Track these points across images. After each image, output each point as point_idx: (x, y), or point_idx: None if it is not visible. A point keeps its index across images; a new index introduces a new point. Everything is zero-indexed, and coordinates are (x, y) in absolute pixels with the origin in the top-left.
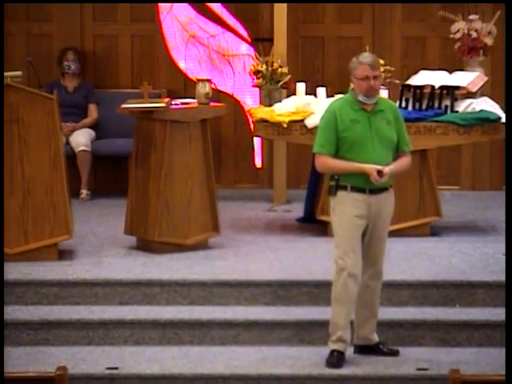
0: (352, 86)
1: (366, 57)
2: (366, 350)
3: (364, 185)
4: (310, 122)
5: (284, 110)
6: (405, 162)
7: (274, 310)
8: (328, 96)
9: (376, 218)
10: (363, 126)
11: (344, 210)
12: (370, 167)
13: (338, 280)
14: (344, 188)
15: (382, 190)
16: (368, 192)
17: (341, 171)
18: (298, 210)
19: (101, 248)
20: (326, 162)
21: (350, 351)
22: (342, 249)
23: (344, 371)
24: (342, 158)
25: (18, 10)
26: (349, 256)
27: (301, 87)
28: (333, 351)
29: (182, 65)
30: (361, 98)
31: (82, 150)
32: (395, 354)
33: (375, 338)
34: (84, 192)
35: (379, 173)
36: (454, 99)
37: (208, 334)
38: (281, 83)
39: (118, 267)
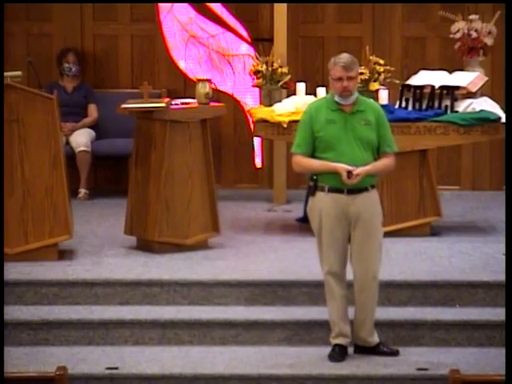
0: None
1: (341, 58)
2: (366, 350)
3: (341, 185)
4: None
5: (284, 109)
6: (384, 162)
7: (274, 309)
8: None
9: (356, 218)
10: (339, 126)
11: (322, 210)
12: (342, 167)
13: (326, 279)
14: (322, 189)
15: (360, 190)
16: (346, 192)
17: (314, 171)
18: (297, 210)
19: (101, 248)
20: (300, 162)
21: (350, 351)
22: (323, 248)
23: (344, 371)
24: (319, 158)
25: (18, 10)
26: (329, 255)
27: (301, 87)
28: (334, 346)
29: (182, 65)
30: (336, 98)
31: (82, 151)
32: (395, 353)
33: (374, 339)
34: (82, 191)
35: (349, 173)
36: (454, 99)
37: (208, 334)
38: (281, 83)
39: (118, 267)
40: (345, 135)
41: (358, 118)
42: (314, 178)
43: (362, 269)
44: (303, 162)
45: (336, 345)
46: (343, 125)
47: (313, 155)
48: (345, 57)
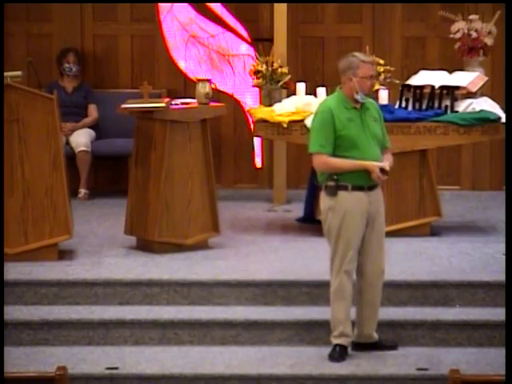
0: (343, 84)
1: (367, 56)
2: (366, 347)
3: (363, 182)
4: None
5: (284, 109)
6: (391, 158)
7: (274, 310)
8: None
9: (375, 214)
10: (357, 124)
11: (347, 209)
12: (373, 165)
13: (336, 277)
14: (345, 188)
15: (375, 186)
16: (367, 189)
17: (343, 170)
18: (298, 210)
19: (101, 248)
20: (328, 162)
21: (349, 349)
22: (342, 247)
23: (344, 371)
24: (342, 156)
25: (18, 10)
26: (347, 255)
27: (301, 87)
28: (335, 346)
29: (182, 65)
30: (359, 96)
31: (82, 151)
32: (394, 347)
33: (376, 335)
34: (82, 191)
35: (381, 170)
36: (454, 99)
37: (208, 334)
38: (281, 83)
39: (118, 267)
40: (363, 133)
41: (368, 115)
42: (335, 177)
43: (374, 265)
44: (332, 162)
45: (337, 345)
46: (360, 122)
47: (333, 154)
48: (368, 55)
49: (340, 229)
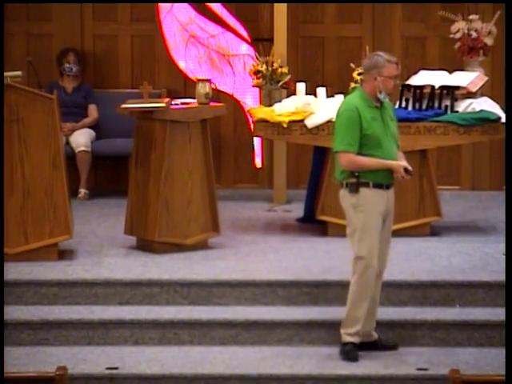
0: (363, 83)
1: (391, 56)
2: (365, 346)
3: (383, 180)
4: (310, 122)
5: (284, 109)
6: (404, 157)
7: (274, 310)
8: (328, 96)
9: (389, 212)
10: (379, 124)
11: (369, 206)
12: (398, 164)
13: (363, 276)
14: (366, 185)
15: (392, 184)
16: (385, 187)
17: (370, 169)
18: (298, 210)
19: (101, 248)
20: (356, 161)
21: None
22: (368, 245)
23: (344, 371)
24: (367, 155)
25: (18, 10)
26: (373, 252)
27: (301, 87)
28: (348, 344)
29: (182, 65)
30: (382, 96)
31: (82, 151)
32: (394, 347)
33: (375, 334)
34: (82, 191)
35: (405, 170)
36: (454, 99)
37: (208, 334)
38: (281, 83)
39: (118, 267)
40: (384, 132)
41: (387, 114)
42: (356, 174)
43: (382, 262)
44: (359, 160)
45: (351, 343)
46: (381, 121)
47: (358, 153)
48: (393, 56)
49: (365, 226)
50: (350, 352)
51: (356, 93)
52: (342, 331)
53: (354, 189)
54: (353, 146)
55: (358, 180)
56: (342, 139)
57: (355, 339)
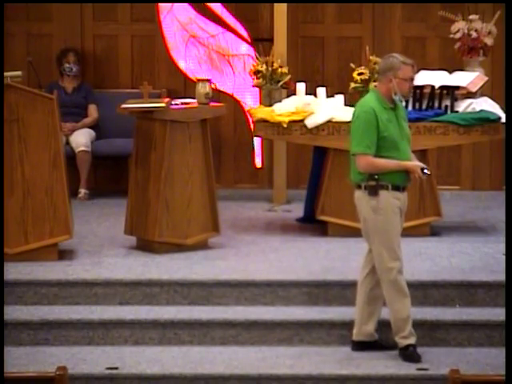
0: (378, 84)
1: (407, 58)
2: (365, 346)
3: (400, 182)
4: (310, 122)
5: (284, 110)
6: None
7: (274, 310)
8: (328, 96)
9: (403, 213)
10: (395, 125)
11: (389, 208)
12: (415, 165)
13: (396, 278)
14: (385, 187)
15: (407, 186)
16: (401, 189)
17: (388, 171)
18: (298, 210)
19: (101, 248)
20: (374, 163)
21: (349, 349)
22: (391, 247)
23: (344, 371)
24: (384, 157)
25: (18, 10)
26: (397, 254)
27: (301, 87)
28: (407, 347)
29: (182, 65)
30: (397, 97)
31: (82, 151)
32: (394, 347)
33: (376, 334)
34: (82, 191)
35: (422, 170)
36: (454, 99)
37: (208, 334)
38: (281, 83)
39: (118, 267)
40: (399, 133)
41: (400, 116)
42: (376, 177)
43: None
44: (377, 162)
45: (410, 345)
46: (396, 123)
47: (375, 155)
48: (408, 58)
49: (387, 228)
50: (412, 354)
51: (371, 94)
52: (397, 338)
53: (374, 191)
54: (371, 148)
55: (377, 183)
56: (360, 141)
57: (412, 340)
